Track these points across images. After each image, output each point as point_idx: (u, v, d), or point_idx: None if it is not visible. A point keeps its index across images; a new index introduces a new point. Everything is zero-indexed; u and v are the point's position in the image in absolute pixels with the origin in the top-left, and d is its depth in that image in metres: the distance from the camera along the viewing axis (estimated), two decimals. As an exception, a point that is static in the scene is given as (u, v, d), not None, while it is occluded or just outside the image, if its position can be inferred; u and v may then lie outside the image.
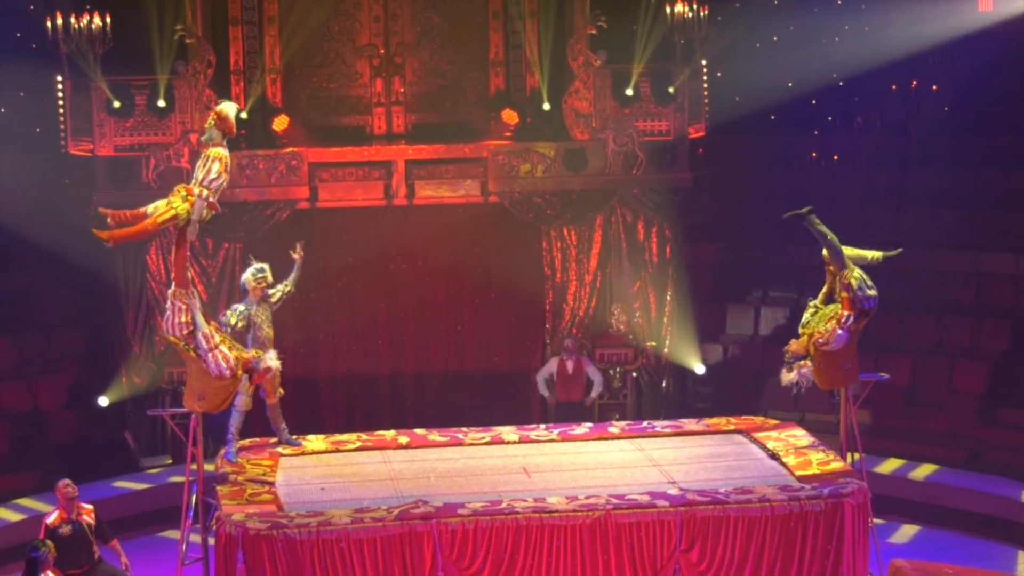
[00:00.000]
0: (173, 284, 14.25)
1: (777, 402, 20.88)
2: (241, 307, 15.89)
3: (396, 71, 21.79)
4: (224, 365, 14.13)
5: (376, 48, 21.83)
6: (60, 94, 20.78)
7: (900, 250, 15.59)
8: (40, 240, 22.28)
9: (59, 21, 20.33)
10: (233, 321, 15.68)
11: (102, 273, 21.31)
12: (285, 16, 21.54)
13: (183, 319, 14.10)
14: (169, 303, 14.23)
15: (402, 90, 21.77)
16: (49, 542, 14.24)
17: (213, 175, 14.12)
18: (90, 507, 15.19)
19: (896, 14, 22.81)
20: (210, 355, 14.09)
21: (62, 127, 20.86)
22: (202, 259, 20.99)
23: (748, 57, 23.22)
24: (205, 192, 14.07)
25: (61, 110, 20.83)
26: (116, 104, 20.83)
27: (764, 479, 14.93)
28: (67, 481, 15.04)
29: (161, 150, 20.78)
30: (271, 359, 15.12)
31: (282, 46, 21.59)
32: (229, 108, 14.47)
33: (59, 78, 20.74)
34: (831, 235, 15.06)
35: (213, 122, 14.33)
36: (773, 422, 17.11)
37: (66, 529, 14.83)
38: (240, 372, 14.39)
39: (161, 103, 20.86)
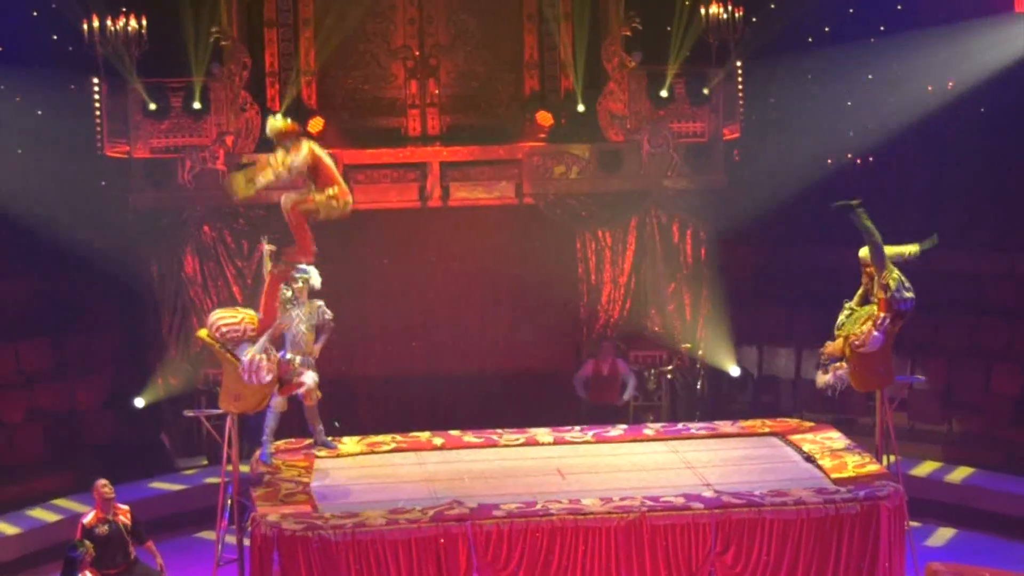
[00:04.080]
0: (259, 315, 14.28)
1: (812, 404, 20.82)
2: (289, 293, 15.87)
3: (431, 73, 21.80)
4: (255, 380, 14.15)
5: (411, 50, 21.84)
6: (96, 96, 20.85)
7: (935, 237, 15.47)
8: (77, 242, 22.39)
9: (95, 24, 20.39)
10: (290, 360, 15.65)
11: (139, 276, 21.39)
12: (320, 18, 21.57)
13: (234, 336, 14.16)
14: (239, 319, 14.26)
15: (437, 92, 21.78)
16: (87, 542, 14.31)
17: (299, 160, 14.14)
18: (126, 508, 15.26)
19: (930, 12, 22.72)
20: (250, 376, 14.11)
21: (98, 129, 20.94)
22: (237, 260, 21.05)
23: (783, 58, 23.12)
24: (283, 171, 14.07)
25: (97, 112, 20.89)
26: (152, 106, 20.91)
27: (799, 482, 14.88)
28: (104, 481, 15.11)
29: (197, 152, 20.85)
30: (308, 378, 15.20)
31: (317, 48, 21.61)
32: (273, 125, 14.44)
33: (95, 80, 20.81)
34: (876, 233, 14.98)
35: (279, 138, 14.30)
36: (808, 424, 17.05)
37: (103, 529, 14.89)
38: (276, 377, 14.41)
39: (197, 105, 20.93)
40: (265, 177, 14.06)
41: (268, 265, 15.11)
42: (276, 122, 14.45)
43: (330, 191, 14.23)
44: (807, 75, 23.38)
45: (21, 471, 19.94)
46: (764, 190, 23.51)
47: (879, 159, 24.37)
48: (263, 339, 14.20)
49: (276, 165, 14.05)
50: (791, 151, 24.19)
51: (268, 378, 14.21)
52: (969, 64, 22.85)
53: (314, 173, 14.28)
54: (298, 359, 15.28)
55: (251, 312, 14.47)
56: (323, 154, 14.37)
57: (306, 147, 14.22)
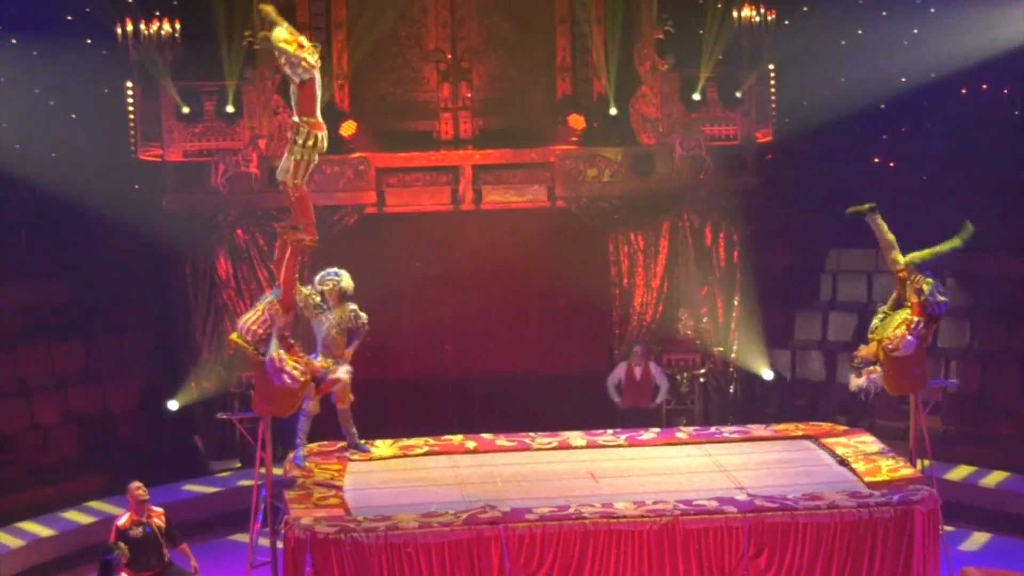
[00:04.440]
0: (276, 294, 14.24)
1: (846, 408, 20.76)
2: (319, 299, 15.87)
3: (463, 76, 21.78)
4: (289, 380, 14.19)
5: (443, 53, 21.84)
6: (130, 100, 20.94)
7: (969, 226, 15.42)
8: (110, 245, 22.52)
9: (129, 27, 20.49)
10: (307, 292, 15.62)
11: (172, 278, 21.47)
12: (353, 21, 21.60)
13: (260, 329, 14.17)
14: (259, 308, 14.28)
15: (469, 95, 21.76)
16: (123, 544, 14.35)
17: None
18: (160, 510, 15.30)
19: (967, 18, 22.61)
20: (275, 378, 14.16)
21: (132, 133, 21.02)
22: (270, 263, 21.02)
23: (816, 61, 23.07)
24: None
25: (131, 116, 20.98)
26: (185, 110, 20.98)
27: (833, 485, 14.83)
28: (137, 484, 15.15)
29: (230, 155, 20.90)
30: (343, 372, 15.19)
31: (350, 51, 21.65)
32: (278, 33, 14.07)
33: (129, 84, 20.91)
34: (890, 236, 15.00)
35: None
36: (842, 428, 17.00)
37: (137, 531, 14.93)
38: (308, 379, 14.44)
39: (230, 109, 20.99)
40: (286, 43, 13.80)
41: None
42: (283, 34, 14.05)
43: (303, 131, 13.92)
44: (840, 78, 23.30)
45: (55, 473, 20.06)
46: (797, 193, 23.50)
47: (912, 162, 24.29)
48: (275, 340, 14.23)
49: (296, 50, 13.82)
50: (824, 154, 24.15)
51: (291, 382, 14.22)
52: (1004, 68, 22.80)
53: (301, 90, 14.03)
54: (330, 362, 15.29)
55: (270, 298, 14.47)
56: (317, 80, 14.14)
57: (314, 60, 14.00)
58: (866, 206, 15.12)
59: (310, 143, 13.85)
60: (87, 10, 21.46)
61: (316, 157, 14.01)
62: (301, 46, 13.94)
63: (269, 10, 14.12)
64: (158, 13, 20.71)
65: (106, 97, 21.82)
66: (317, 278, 16.07)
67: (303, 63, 13.84)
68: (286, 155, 13.97)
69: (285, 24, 14.11)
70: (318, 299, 15.85)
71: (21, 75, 22.08)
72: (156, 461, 20.44)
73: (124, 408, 21.68)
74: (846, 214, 15.37)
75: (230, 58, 20.86)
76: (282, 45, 13.85)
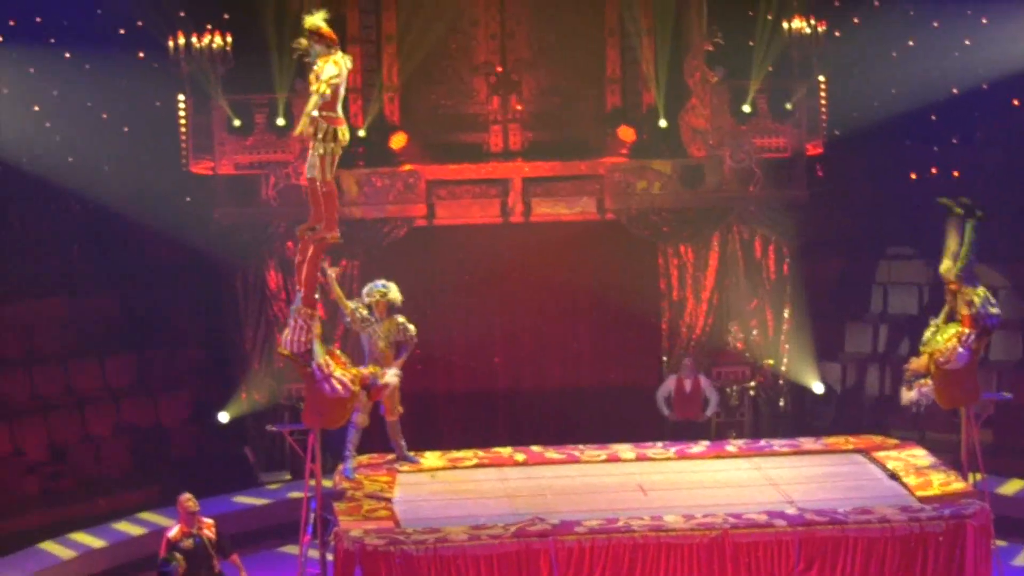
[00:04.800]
0: (300, 300, 14.30)
1: (897, 421, 20.63)
2: (366, 312, 15.87)
3: (513, 88, 21.78)
4: (339, 387, 14.20)
5: (493, 66, 21.85)
6: (182, 113, 21.03)
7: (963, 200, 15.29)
8: (161, 258, 22.64)
9: (181, 41, 20.59)
10: (353, 306, 15.63)
11: (222, 291, 21.55)
12: (403, 34, 21.64)
13: (302, 338, 14.17)
14: (292, 319, 14.31)
15: (519, 107, 21.76)
16: (179, 555, 14.41)
17: (329, 70, 13.73)
18: (211, 521, 15.33)
19: (1018, 28, 22.46)
20: (325, 384, 14.18)
21: (184, 145, 21.12)
22: (320, 277, 21.06)
23: (867, 72, 22.97)
24: (324, 88, 13.74)
25: (183, 129, 21.07)
26: (236, 122, 21.05)
27: (884, 499, 14.75)
28: (188, 495, 15.19)
29: (280, 168, 20.96)
30: (390, 375, 15.17)
31: (400, 64, 21.69)
32: (314, 19, 13.98)
33: (181, 97, 21.00)
34: (963, 247, 14.87)
35: (310, 43, 13.95)
36: (893, 441, 16.91)
37: (188, 543, 14.96)
38: (357, 389, 14.45)
39: (280, 121, 21.04)
40: (312, 104, 13.87)
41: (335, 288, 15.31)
42: (315, 20, 13.99)
43: (322, 126, 13.90)
44: (891, 89, 23.18)
45: (108, 484, 20.18)
46: (847, 204, 23.40)
47: (963, 174, 24.13)
48: (318, 346, 14.24)
49: (315, 86, 13.85)
50: (874, 165, 24.04)
51: (341, 389, 14.24)
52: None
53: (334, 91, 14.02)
54: (377, 368, 15.25)
55: (295, 306, 14.47)
56: (344, 78, 14.10)
57: (339, 61, 13.99)
58: (959, 209, 14.97)
59: (322, 135, 13.87)
60: (139, 24, 21.61)
61: (339, 150, 14.00)
62: (313, 83, 13.96)
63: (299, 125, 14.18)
64: (209, 27, 20.80)
65: (158, 110, 21.96)
66: (365, 290, 16.11)
67: (326, 76, 13.84)
68: (311, 152, 13.99)
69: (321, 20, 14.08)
70: (365, 312, 15.87)
71: (74, 89, 22.24)
72: (207, 473, 20.52)
73: (175, 420, 21.79)
74: (938, 200, 15.19)
75: (280, 71, 20.91)
76: (316, 102, 13.87)
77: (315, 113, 13.79)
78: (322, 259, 14.61)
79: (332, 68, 13.81)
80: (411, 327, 16.00)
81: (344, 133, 13.96)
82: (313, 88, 13.82)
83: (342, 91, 13.99)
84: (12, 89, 21.82)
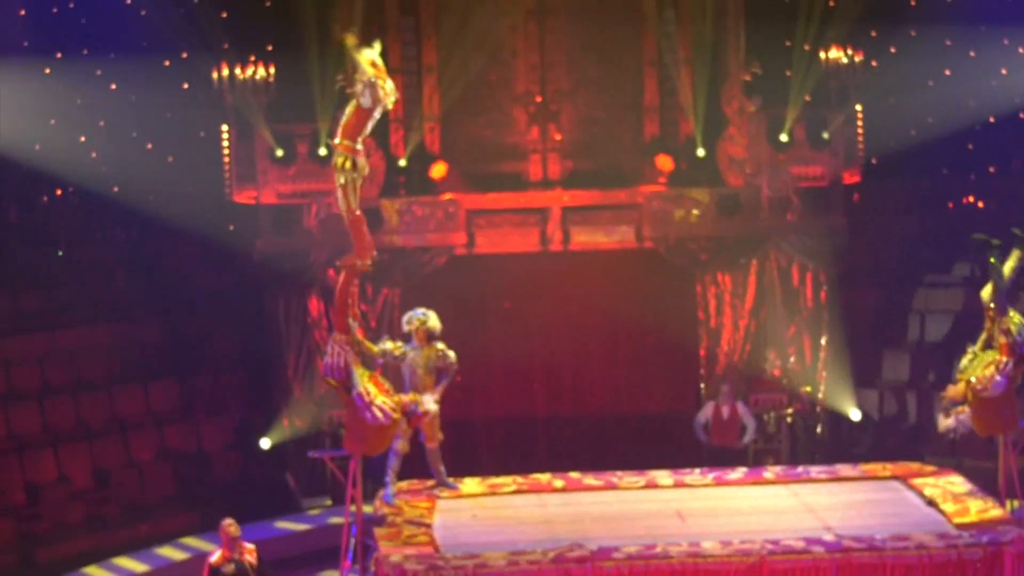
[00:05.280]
0: (335, 329, 14.39)
1: (934, 448, 20.53)
2: (404, 347, 15.88)
3: (552, 118, 21.86)
4: (380, 415, 14.25)
5: (532, 96, 21.93)
6: (225, 143, 21.17)
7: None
8: (205, 285, 22.76)
9: (225, 72, 20.75)
10: (389, 347, 15.64)
11: (264, 318, 21.65)
12: (444, 65, 21.73)
13: (339, 363, 14.23)
14: (329, 347, 14.39)
15: (558, 137, 21.84)
16: (223, 579, 14.49)
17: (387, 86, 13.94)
18: (252, 547, 15.36)
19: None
20: (367, 412, 14.22)
21: (227, 175, 21.25)
22: (362, 304, 21.08)
23: (904, 101, 22.95)
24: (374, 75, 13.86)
25: (226, 158, 21.21)
26: (279, 152, 21.17)
27: (921, 526, 14.68)
28: (230, 521, 15.21)
29: (323, 197, 21.05)
30: (429, 402, 15.22)
31: (440, 94, 21.78)
32: (370, 54, 14.09)
33: (224, 127, 21.13)
34: (1007, 276, 14.85)
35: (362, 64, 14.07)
36: (930, 468, 16.83)
37: (229, 568, 14.98)
38: (398, 416, 14.49)
39: (323, 151, 21.12)
40: (369, 72, 13.91)
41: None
42: (369, 55, 14.09)
43: (339, 154, 13.94)
44: (927, 118, 23.16)
45: (151, 509, 20.23)
46: (884, 233, 23.34)
47: (1001, 203, 24.08)
48: (357, 374, 14.29)
49: (377, 78, 13.93)
50: (911, 194, 24.00)
51: (382, 417, 14.28)
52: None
53: (358, 113, 14.03)
54: (416, 395, 15.28)
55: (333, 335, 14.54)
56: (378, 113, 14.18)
57: (388, 91, 14.09)
58: (995, 241, 14.97)
59: (348, 165, 13.95)
60: (184, 56, 21.77)
61: (360, 178, 14.07)
62: (381, 75, 14.03)
63: (351, 41, 14.20)
64: (253, 58, 20.96)
65: (202, 141, 22.12)
66: (404, 318, 16.14)
67: (380, 89, 13.93)
68: (337, 188, 14.10)
69: (369, 53, 14.17)
70: (390, 345, 15.71)
71: (120, 120, 22.43)
72: (248, 498, 20.56)
73: (218, 446, 21.84)
74: (973, 236, 15.20)
75: (323, 101, 21.03)
76: (366, 64, 13.93)
77: (336, 140, 13.97)
78: (353, 284, 14.63)
79: (389, 85, 13.93)
80: (451, 354, 16.00)
81: (363, 163, 14.05)
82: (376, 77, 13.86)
83: (369, 125, 14.10)
84: (59, 120, 22.02)
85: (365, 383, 14.31)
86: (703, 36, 21.54)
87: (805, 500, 15.86)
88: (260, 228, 21.36)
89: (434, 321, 15.99)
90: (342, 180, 13.97)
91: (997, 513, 14.88)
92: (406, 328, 16.06)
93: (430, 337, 16.01)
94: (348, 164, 13.95)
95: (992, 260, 14.91)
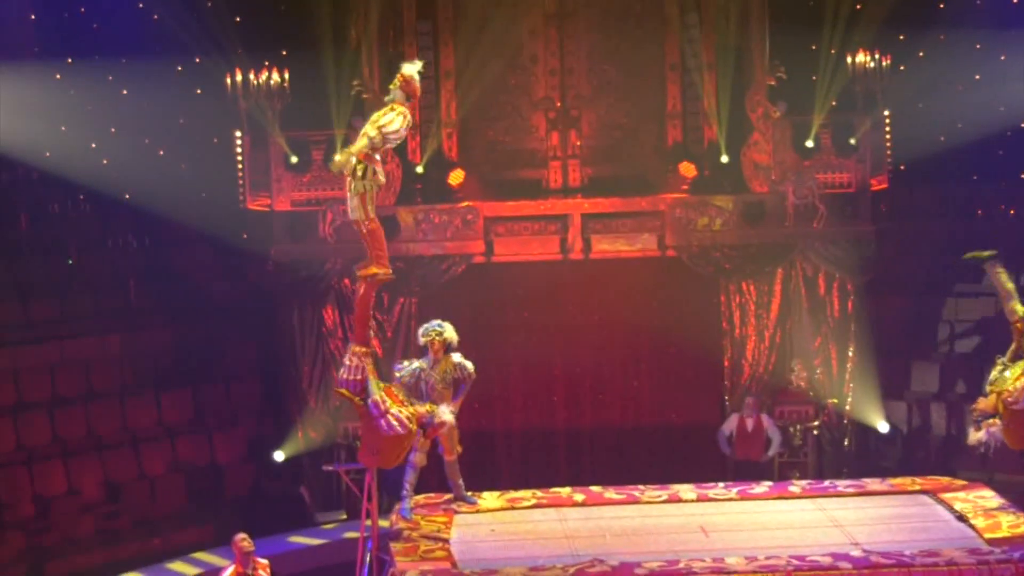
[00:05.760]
0: (353, 340, 14.37)
1: (965, 462, 20.46)
2: (416, 364, 15.89)
3: (572, 124, 21.84)
4: (396, 425, 14.23)
5: (552, 101, 21.92)
6: (239, 150, 21.17)
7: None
8: (219, 294, 22.76)
9: (238, 77, 20.75)
10: (401, 375, 15.71)
11: (279, 327, 21.63)
12: (461, 70, 21.72)
13: (357, 377, 14.22)
14: (347, 358, 14.37)
15: (578, 143, 21.82)
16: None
17: (393, 125, 14.05)
18: (265, 562, 15.33)
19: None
20: (382, 420, 14.20)
21: (240, 182, 21.25)
22: (378, 314, 21.12)
23: (932, 106, 22.89)
24: (376, 134, 13.99)
25: (240, 165, 21.21)
26: (293, 159, 21.18)
27: (951, 542, 14.63)
28: (243, 535, 15.18)
29: (338, 205, 20.98)
30: (445, 413, 15.19)
31: (458, 100, 21.77)
32: (411, 69, 14.43)
33: (238, 134, 21.14)
34: (1010, 284, 14.82)
35: (398, 84, 14.31)
36: (960, 483, 16.79)
37: (242, 583, 14.99)
38: (414, 427, 14.47)
39: (338, 157, 21.07)
40: (359, 144, 14.03)
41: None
42: (413, 70, 14.45)
43: (350, 162, 14.07)
44: (957, 123, 23.09)
45: (162, 523, 20.24)
46: (912, 240, 23.26)
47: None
48: (373, 383, 14.28)
49: (369, 130, 14.03)
50: (940, 200, 23.91)
51: (399, 426, 14.26)
52: None
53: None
54: (432, 406, 15.24)
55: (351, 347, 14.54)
56: (401, 137, 14.39)
57: (407, 119, 14.18)
58: (985, 253, 14.97)
59: (359, 172, 13.98)
60: (197, 61, 21.79)
61: (375, 187, 14.11)
62: (369, 125, 14.20)
63: (338, 156, 14.36)
64: (267, 63, 20.96)
65: (215, 147, 22.14)
66: (420, 330, 16.12)
67: (388, 131, 14.10)
68: (349, 194, 14.11)
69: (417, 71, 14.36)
70: (410, 373, 15.76)
71: (131, 125, 22.48)
72: (262, 512, 20.56)
73: (231, 459, 21.83)
74: (964, 258, 15.20)
75: (338, 107, 21.04)
76: (363, 144, 14.04)
77: (349, 148, 14.05)
78: (372, 296, 14.63)
79: (396, 123, 14.00)
80: (468, 364, 15.96)
81: (380, 173, 14.06)
82: (365, 130, 14.00)
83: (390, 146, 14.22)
84: (70, 126, 22.05)
85: (380, 392, 14.31)
86: (727, 40, 21.53)
87: (832, 515, 15.83)
88: (274, 236, 21.35)
89: (450, 333, 15.97)
90: (361, 189, 13.98)
91: (1029, 528, 14.83)
92: (422, 340, 16.03)
93: (447, 349, 15.99)
94: (360, 172, 13.97)
95: (998, 270, 14.91)
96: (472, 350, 16.53)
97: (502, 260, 21.44)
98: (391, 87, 14.43)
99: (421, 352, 16.19)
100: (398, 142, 14.47)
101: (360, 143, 14.00)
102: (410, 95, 14.38)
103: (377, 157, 14.09)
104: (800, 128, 21.43)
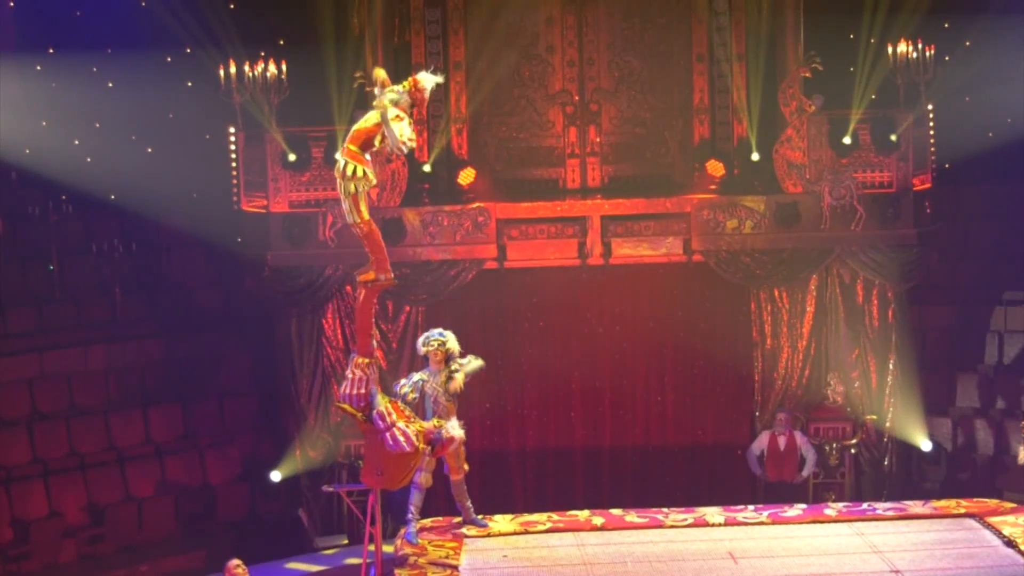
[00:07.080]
0: (356, 351, 14.39)
1: (1014, 483, 20.47)
2: (416, 377, 15.95)
3: (592, 119, 21.88)
4: (402, 440, 14.24)
5: (570, 95, 21.95)
6: (233, 147, 21.18)
7: None
8: (211, 303, 22.77)
9: (232, 69, 20.76)
10: (403, 391, 15.75)
11: (276, 338, 21.65)
12: (472, 61, 21.77)
13: (361, 391, 14.24)
14: (349, 371, 14.39)
15: (598, 140, 21.85)
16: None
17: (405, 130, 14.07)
18: (261, 590, 15.41)
19: None
20: (387, 434, 14.22)
21: (235, 182, 21.25)
22: (382, 323, 21.16)
23: (980, 100, 22.88)
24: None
25: (234, 164, 21.21)
26: (292, 157, 21.16)
27: (999, 569, 14.66)
28: (237, 562, 15.23)
29: (339, 206, 20.96)
30: (453, 428, 15.19)
31: (469, 93, 21.82)
32: (428, 81, 14.45)
33: (232, 130, 21.15)
34: None
35: (407, 87, 14.30)
36: (1010, 505, 16.82)
37: (235, 613, 15.02)
38: (421, 445, 14.48)
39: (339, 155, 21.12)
40: (396, 122, 14.02)
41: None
42: (429, 85, 14.51)
43: (340, 161, 14.20)
44: (1006, 118, 23.08)
45: (151, 549, 20.29)
46: (958, 244, 23.24)
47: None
48: (379, 395, 14.31)
49: (398, 127, 14.04)
50: (988, 201, 23.89)
51: (405, 441, 14.28)
52: None
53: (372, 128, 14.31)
54: (440, 420, 15.28)
55: (352, 358, 14.57)
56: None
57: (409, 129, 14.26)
58: None
59: (349, 172, 14.03)
60: (188, 51, 21.82)
61: (367, 186, 14.16)
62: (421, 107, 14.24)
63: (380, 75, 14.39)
64: (263, 54, 20.98)
65: (207, 143, 22.18)
66: (421, 339, 16.19)
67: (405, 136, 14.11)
68: (340, 196, 14.16)
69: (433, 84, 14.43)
70: (412, 387, 15.84)
71: (117, 120, 22.50)
72: (258, 537, 20.61)
73: (224, 479, 21.86)
74: None
75: (339, 102, 21.05)
76: (392, 124, 14.06)
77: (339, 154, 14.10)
78: (374, 304, 14.66)
79: (407, 129, 14.02)
80: (472, 362, 16.05)
81: (371, 173, 14.10)
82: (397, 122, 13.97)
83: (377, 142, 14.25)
84: (51, 121, 22.10)
85: (387, 404, 14.33)
86: (758, 29, 21.59)
87: (871, 540, 15.85)
88: (271, 240, 21.36)
89: (453, 343, 16.04)
90: (353, 189, 14.02)
91: (1083, 554, 14.83)
92: (422, 350, 16.09)
93: (449, 359, 16.02)
94: (350, 171, 14.01)
95: None
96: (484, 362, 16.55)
97: (516, 266, 21.44)
98: (398, 88, 14.34)
99: (427, 367, 16.23)
100: (400, 151, 14.39)
101: (397, 123, 13.99)
102: (414, 104, 14.35)
103: (367, 157, 14.11)
104: (837, 124, 21.42)
